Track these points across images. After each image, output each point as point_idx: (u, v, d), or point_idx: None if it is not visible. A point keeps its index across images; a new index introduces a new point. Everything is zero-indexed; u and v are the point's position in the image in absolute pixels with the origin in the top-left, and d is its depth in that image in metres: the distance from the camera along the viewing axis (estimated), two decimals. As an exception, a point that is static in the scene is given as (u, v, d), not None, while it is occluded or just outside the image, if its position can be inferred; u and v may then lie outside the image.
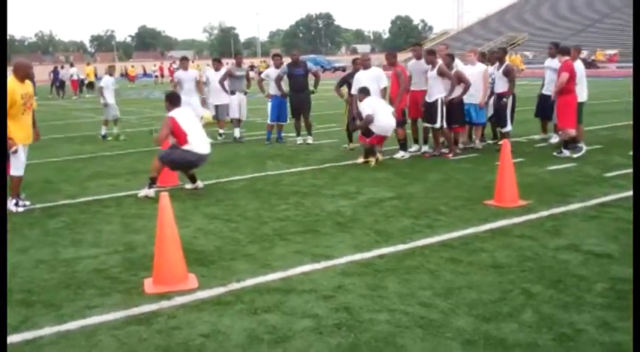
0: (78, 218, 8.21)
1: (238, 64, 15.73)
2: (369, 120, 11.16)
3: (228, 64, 19.26)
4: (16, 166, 8.40)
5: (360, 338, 4.48)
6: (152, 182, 9.16)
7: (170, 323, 4.86)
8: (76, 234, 7.47)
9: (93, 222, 7.97)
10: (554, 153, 11.44)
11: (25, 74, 8.46)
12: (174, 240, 5.62)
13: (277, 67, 14.72)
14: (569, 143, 11.40)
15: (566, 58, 11.46)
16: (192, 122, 9.28)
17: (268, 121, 14.84)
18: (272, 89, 14.63)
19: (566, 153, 11.33)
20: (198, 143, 9.13)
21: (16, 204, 8.58)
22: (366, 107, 11.34)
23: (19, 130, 8.35)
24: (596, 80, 36.21)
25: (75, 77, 40.34)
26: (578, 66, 11.82)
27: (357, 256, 6.25)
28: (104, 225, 7.84)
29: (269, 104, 14.70)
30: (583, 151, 11.24)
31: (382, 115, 11.20)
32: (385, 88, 12.16)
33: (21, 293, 5.57)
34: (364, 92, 11.57)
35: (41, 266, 6.31)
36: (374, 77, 11.99)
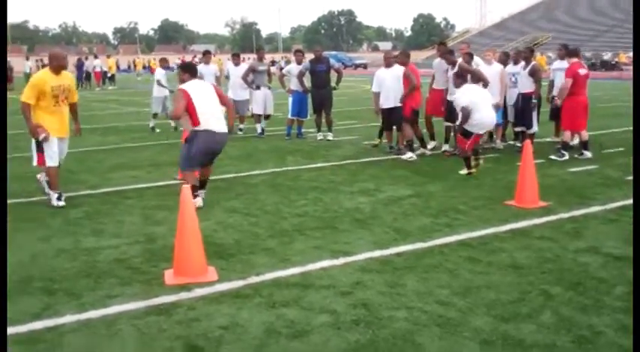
0: (99, 208, 8.28)
1: (260, 59, 15.72)
2: (467, 113, 9.85)
3: (249, 59, 19.25)
4: (50, 156, 8.25)
5: (378, 334, 4.49)
6: (194, 191, 7.99)
7: (189, 314, 4.90)
8: (97, 224, 7.54)
9: (114, 213, 8.04)
10: (575, 156, 11.36)
11: (58, 65, 8.29)
12: (194, 233, 5.66)
13: (299, 62, 14.73)
14: (562, 147, 11.39)
15: (574, 60, 11.43)
16: (207, 97, 8.20)
17: (289, 116, 14.86)
18: (293, 84, 14.67)
19: (587, 154, 11.28)
20: (212, 120, 8.11)
21: (59, 198, 8.34)
22: (462, 97, 10.06)
23: (52, 122, 8.21)
24: (618, 82, 35.92)
25: (98, 69, 40.55)
26: None
27: (376, 253, 6.27)
28: (125, 215, 7.91)
29: (290, 99, 14.74)
30: (565, 157, 11.20)
31: (482, 107, 10.00)
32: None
33: (42, 280, 5.63)
34: (460, 77, 10.58)
35: (62, 255, 6.38)
36: (396, 76, 11.94)
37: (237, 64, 15.72)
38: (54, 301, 5.19)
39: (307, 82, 14.60)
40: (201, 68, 15.31)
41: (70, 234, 7.11)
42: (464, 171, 10.16)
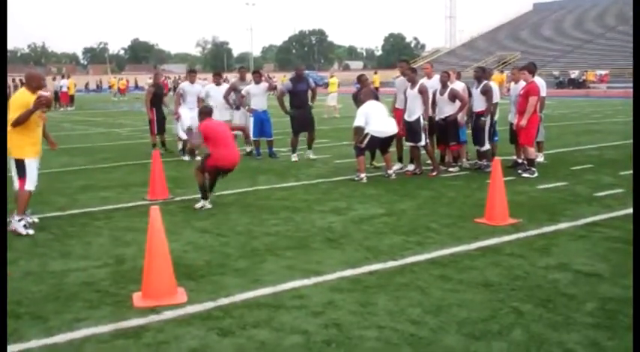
0: (67, 230, 8.16)
1: (242, 78, 15.54)
2: None
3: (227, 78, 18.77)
4: (31, 179, 8.11)
5: (350, 354, 4.46)
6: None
7: (158, 337, 4.83)
8: (65, 246, 7.43)
9: (82, 235, 7.93)
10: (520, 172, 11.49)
11: (37, 85, 8.19)
12: (163, 254, 5.59)
13: (257, 83, 14.64)
14: (530, 163, 11.46)
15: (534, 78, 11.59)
16: None
17: (252, 137, 14.55)
18: (254, 104, 14.61)
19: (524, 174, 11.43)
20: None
21: (26, 226, 8.09)
22: None
23: (34, 143, 8.10)
24: (586, 100, 36.47)
25: (64, 89, 40.07)
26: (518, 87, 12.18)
27: (347, 272, 6.24)
28: (94, 237, 7.80)
29: (250, 119, 14.67)
30: (535, 174, 11.28)
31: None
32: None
33: (9, 304, 5.50)
34: None
35: (29, 277, 6.27)
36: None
37: (218, 83, 15.36)
38: (20, 325, 5.09)
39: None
40: (185, 86, 14.96)
41: (38, 256, 6.99)
42: None
